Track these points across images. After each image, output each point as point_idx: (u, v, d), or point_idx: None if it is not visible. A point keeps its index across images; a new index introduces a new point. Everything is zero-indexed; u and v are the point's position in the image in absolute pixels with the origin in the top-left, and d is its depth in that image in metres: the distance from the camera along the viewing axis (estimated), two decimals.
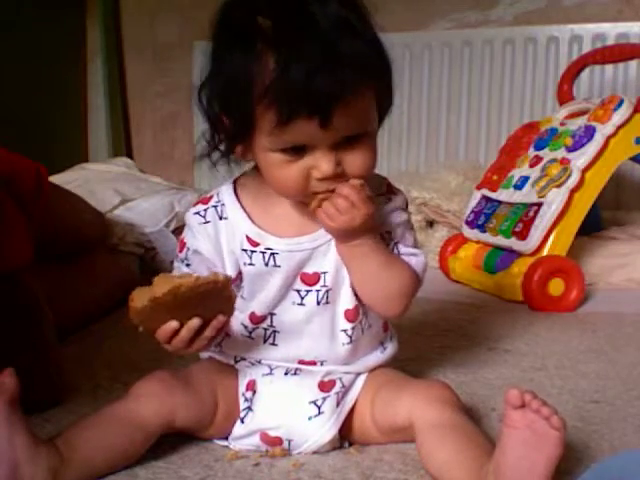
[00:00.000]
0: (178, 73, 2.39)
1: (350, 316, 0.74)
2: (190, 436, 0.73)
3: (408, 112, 2.23)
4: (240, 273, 0.73)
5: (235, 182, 0.76)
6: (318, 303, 0.72)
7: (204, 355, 0.79)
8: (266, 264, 0.71)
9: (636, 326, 1.23)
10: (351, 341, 0.74)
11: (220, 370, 0.75)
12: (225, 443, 0.73)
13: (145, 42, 2.48)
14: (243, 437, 0.72)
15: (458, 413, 0.68)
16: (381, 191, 0.75)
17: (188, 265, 0.74)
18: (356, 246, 0.69)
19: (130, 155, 2.49)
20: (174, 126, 2.49)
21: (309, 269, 0.72)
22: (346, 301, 0.73)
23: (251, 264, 0.72)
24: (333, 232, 0.69)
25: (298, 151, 0.65)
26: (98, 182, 1.82)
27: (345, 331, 0.74)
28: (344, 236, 0.69)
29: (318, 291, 0.72)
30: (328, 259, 0.72)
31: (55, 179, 1.43)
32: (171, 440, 0.72)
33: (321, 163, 0.65)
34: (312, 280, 0.72)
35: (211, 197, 0.75)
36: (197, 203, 0.76)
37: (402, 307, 0.73)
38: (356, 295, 0.73)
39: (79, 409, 0.81)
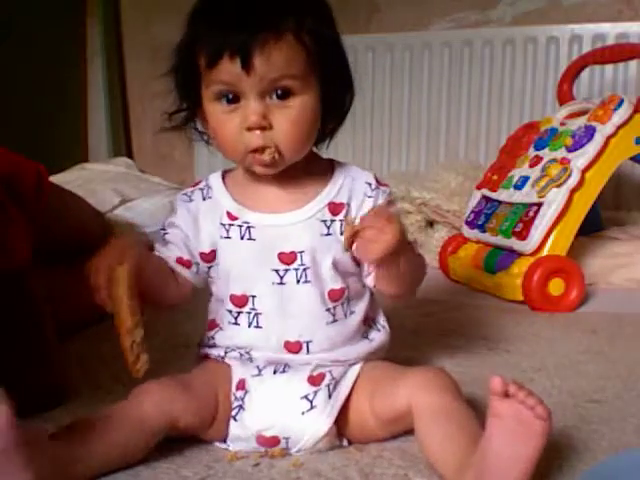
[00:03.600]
0: None
1: (335, 295, 0.76)
2: (190, 437, 0.73)
3: (408, 112, 2.23)
4: (213, 252, 0.76)
5: (223, 171, 0.81)
6: (297, 282, 0.74)
7: (199, 355, 0.80)
8: (242, 237, 0.75)
9: (636, 326, 1.23)
10: (334, 320, 0.75)
11: (217, 372, 0.75)
12: (224, 445, 0.73)
13: (145, 42, 2.48)
14: (241, 440, 0.72)
15: (456, 399, 0.68)
16: (373, 184, 0.78)
17: (165, 234, 0.79)
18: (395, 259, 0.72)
19: (130, 155, 2.49)
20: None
21: (286, 248, 0.74)
22: (330, 281, 0.75)
23: (228, 237, 0.75)
24: (378, 262, 0.72)
25: (233, 100, 0.70)
26: (98, 182, 1.82)
27: (329, 310, 0.75)
28: (388, 259, 0.71)
29: (296, 270, 0.74)
30: (305, 239, 0.75)
31: (55, 179, 1.43)
32: (171, 440, 0.72)
33: (249, 111, 0.70)
34: (290, 259, 0.74)
35: (200, 182, 0.81)
36: (188, 187, 0.82)
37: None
38: (342, 278, 0.76)
39: (79, 409, 0.81)
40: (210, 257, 0.77)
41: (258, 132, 0.70)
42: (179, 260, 0.77)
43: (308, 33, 0.70)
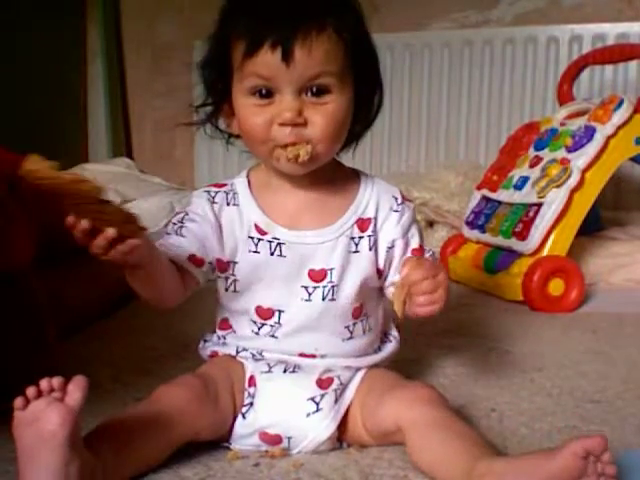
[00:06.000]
0: (178, 73, 2.40)
1: (357, 313, 0.76)
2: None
3: (408, 112, 2.23)
4: (229, 263, 0.75)
5: (248, 174, 0.78)
6: (323, 299, 0.74)
7: (205, 352, 0.79)
8: (272, 253, 0.73)
9: (636, 326, 1.23)
10: (352, 337, 0.76)
11: (234, 372, 0.75)
12: (225, 444, 0.73)
13: (145, 42, 2.48)
14: (243, 437, 0.72)
15: (443, 410, 0.68)
16: (399, 199, 0.78)
17: (181, 227, 0.74)
18: None
19: (130, 155, 2.49)
20: (174, 126, 2.49)
21: (316, 265, 0.74)
22: (355, 299, 0.75)
23: (256, 252, 0.74)
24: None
25: (267, 95, 0.69)
26: (98, 182, 1.82)
27: (347, 327, 0.76)
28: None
29: (324, 287, 0.74)
30: (335, 255, 0.74)
31: None
32: None
33: (283, 106, 0.68)
34: (319, 276, 0.74)
35: (224, 184, 0.78)
36: (210, 185, 0.78)
37: None
38: (363, 294, 0.76)
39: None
40: (225, 266, 0.75)
41: (290, 128, 0.69)
42: (191, 258, 0.73)
43: (348, 30, 0.70)
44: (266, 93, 0.69)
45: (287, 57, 0.67)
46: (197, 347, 0.81)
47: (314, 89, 0.69)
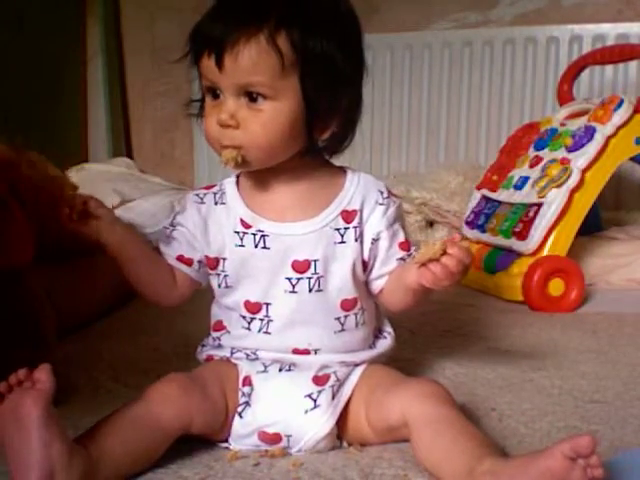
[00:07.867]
0: (178, 73, 2.39)
1: (347, 305, 0.76)
2: (191, 436, 0.73)
3: (408, 112, 2.23)
4: (218, 260, 0.76)
5: (238, 176, 0.80)
6: (310, 290, 0.74)
7: (201, 356, 0.80)
8: (256, 245, 0.74)
9: (636, 326, 1.23)
10: (343, 329, 0.76)
11: (226, 371, 0.75)
12: (225, 445, 0.73)
13: (145, 42, 2.48)
14: (243, 437, 0.72)
15: (450, 407, 0.68)
16: (385, 193, 0.78)
17: (172, 230, 0.79)
18: None
19: (130, 155, 2.49)
20: (174, 126, 2.49)
21: (300, 256, 0.74)
22: (344, 290, 0.76)
23: (241, 245, 0.75)
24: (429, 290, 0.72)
25: (215, 96, 0.71)
26: (98, 182, 1.83)
27: (338, 319, 0.76)
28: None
29: (310, 278, 0.74)
30: (319, 246, 0.74)
31: None
32: None
33: (222, 108, 0.70)
34: (303, 267, 0.74)
35: (214, 186, 0.80)
36: (200, 188, 0.81)
37: None
38: (357, 287, 0.76)
39: (79, 409, 0.81)
40: (214, 263, 0.77)
41: (225, 130, 0.70)
42: (179, 258, 0.77)
43: (288, 39, 0.68)
44: (215, 94, 0.71)
45: (219, 63, 0.68)
46: (197, 348, 0.81)
47: (249, 94, 0.70)
